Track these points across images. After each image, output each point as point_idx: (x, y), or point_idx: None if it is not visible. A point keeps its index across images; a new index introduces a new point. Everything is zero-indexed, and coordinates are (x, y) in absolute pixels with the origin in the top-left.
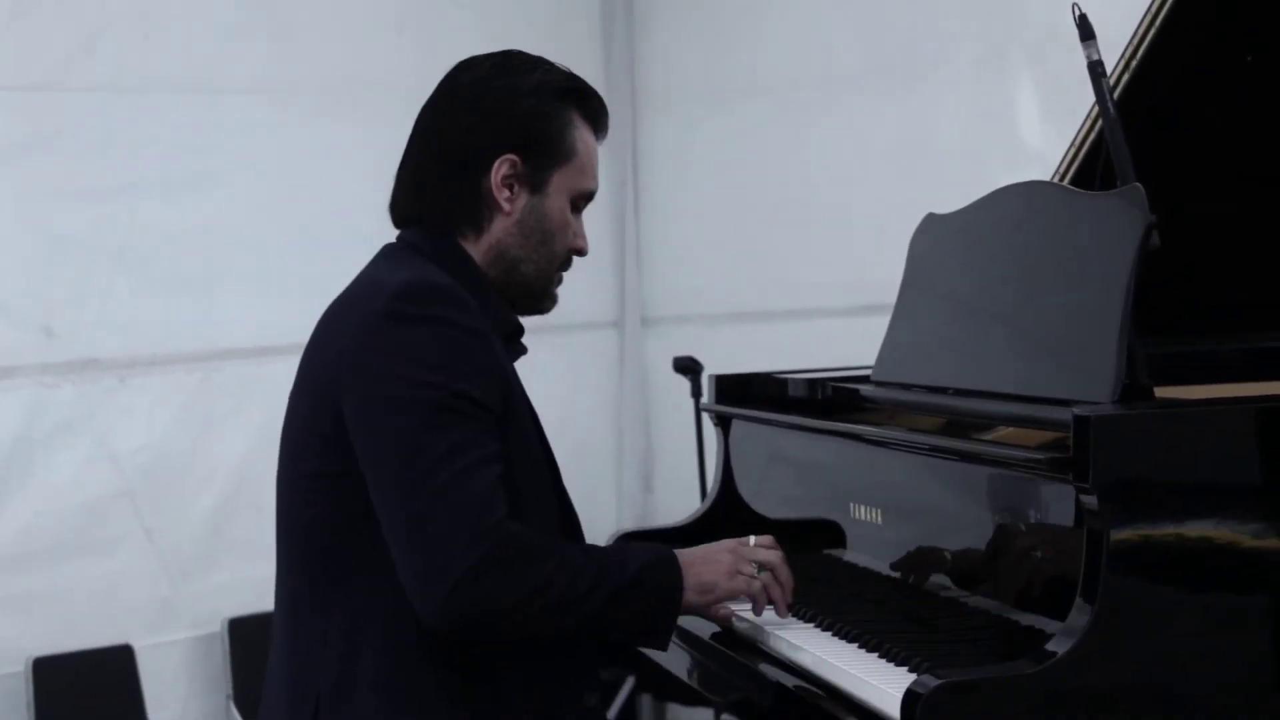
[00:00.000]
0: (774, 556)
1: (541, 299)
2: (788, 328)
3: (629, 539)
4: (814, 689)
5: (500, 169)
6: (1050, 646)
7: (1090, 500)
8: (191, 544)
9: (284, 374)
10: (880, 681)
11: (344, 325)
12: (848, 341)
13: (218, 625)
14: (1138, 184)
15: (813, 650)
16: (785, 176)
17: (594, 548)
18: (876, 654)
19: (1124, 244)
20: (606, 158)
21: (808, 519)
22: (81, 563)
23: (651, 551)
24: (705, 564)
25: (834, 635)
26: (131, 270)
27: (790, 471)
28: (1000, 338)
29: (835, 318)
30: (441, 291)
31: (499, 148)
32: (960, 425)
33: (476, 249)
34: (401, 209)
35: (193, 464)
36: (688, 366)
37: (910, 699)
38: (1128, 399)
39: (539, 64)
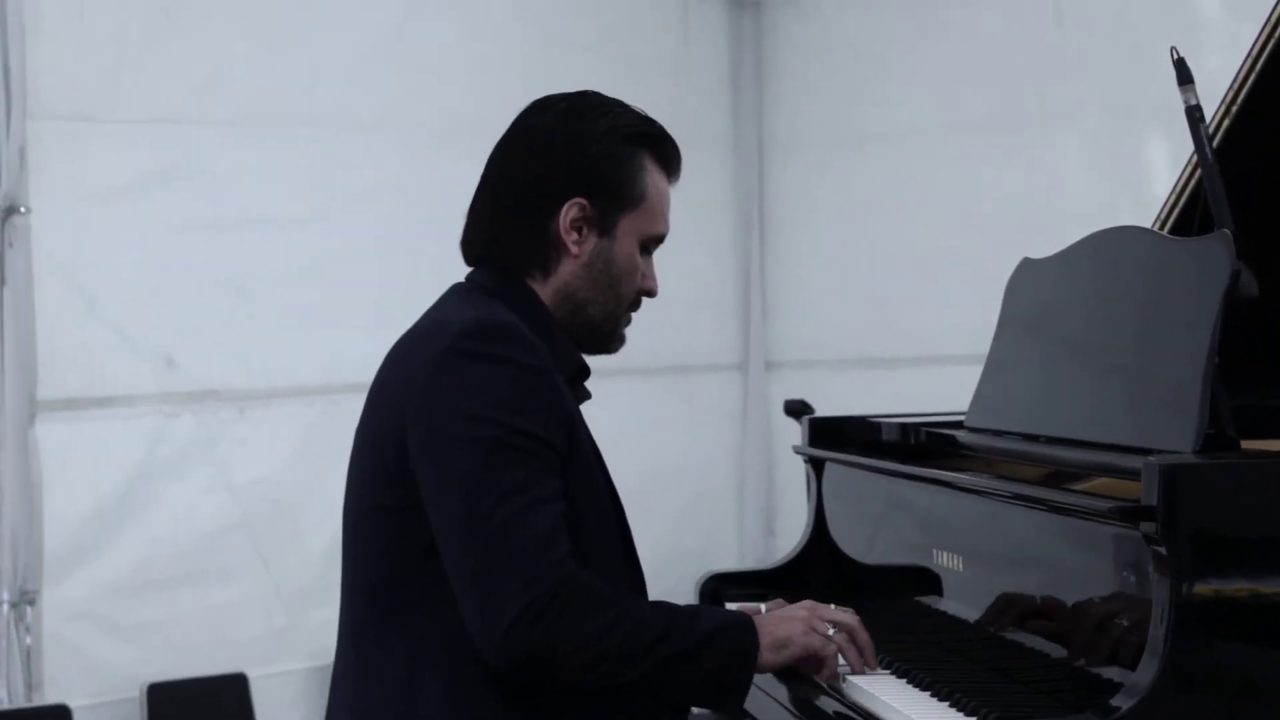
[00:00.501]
0: (850, 619)
1: (609, 340)
2: (911, 374)
3: (717, 581)
4: None
5: (569, 212)
6: (1115, 701)
7: (1159, 551)
8: (307, 576)
9: None
10: None
11: (409, 362)
12: (970, 388)
13: (332, 658)
14: (1225, 230)
15: (883, 697)
16: (910, 223)
17: (665, 604)
18: (947, 703)
19: (1210, 291)
20: (734, 201)
21: (900, 565)
22: (198, 591)
23: (725, 613)
24: (779, 622)
25: (908, 683)
26: (253, 303)
27: (882, 516)
28: (1089, 385)
29: (958, 365)
30: (507, 330)
31: (568, 191)
32: (1055, 474)
33: (544, 290)
34: (472, 248)
35: (310, 496)
36: (798, 410)
37: None
38: (1212, 450)
39: (611, 107)
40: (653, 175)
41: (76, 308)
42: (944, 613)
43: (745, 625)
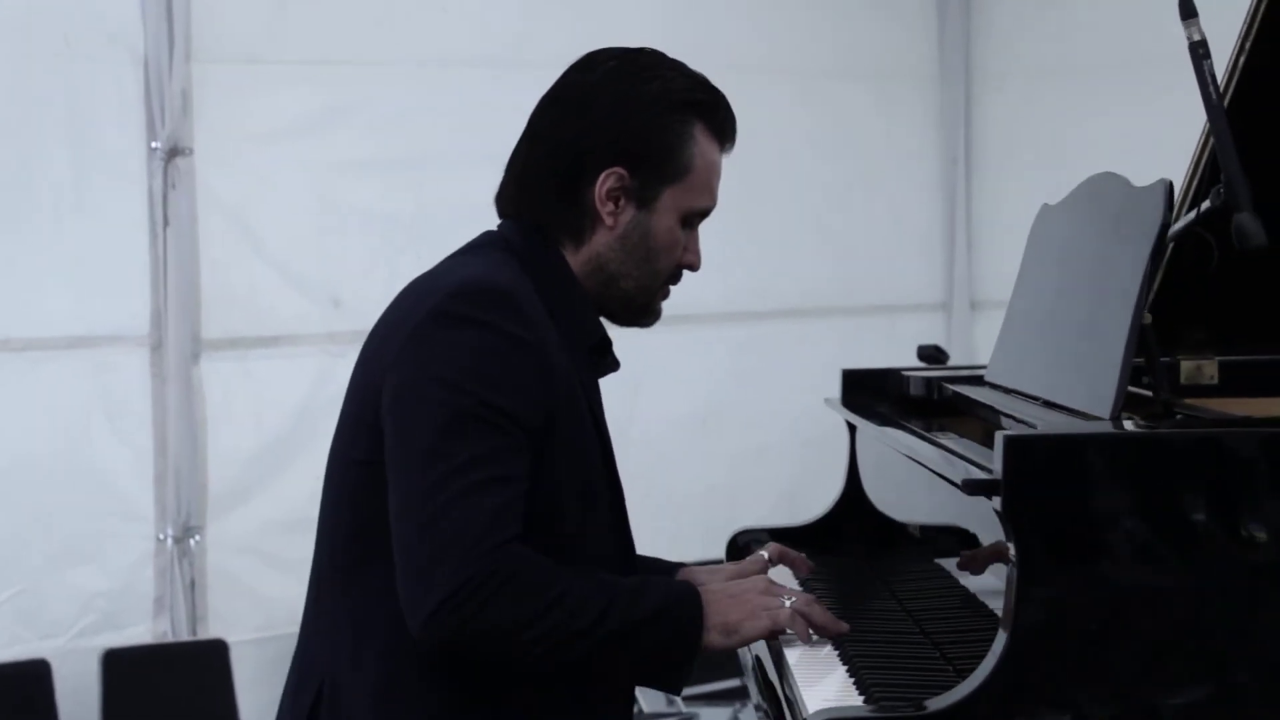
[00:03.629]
0: (801, 600)
1: (642, 314)
2: None
3: (748, 536)
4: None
5: (605, 182)
6: (931, 702)
7: (1005, 527)
8: None
9: None
10: (815, 704)
11: (401, 316)
12: None
13: None
14: (1167, 179)
15: (794, 666)
16: (1122, 159)
17: (612, 580)
18: (854, 680)
19: (1141, 244)
20: (939, 135)
21: (929, 524)
22: None
23: (676, 589)
24: (731, 604)
25: (837, 655)
26: (420, 243)
27: (909, 472)
28: (1053, 342)
29: None
30: (497, 295)
31: (607, 160)
32: None
33: (575, 258)
34: (505, 203)
35: None
36: (931, 356)
37: None
38: (1140, 415)
39: (661, 70)
40: (701, 146)
41: (241, 248)
42: (947, 576)
43: (691, 604)
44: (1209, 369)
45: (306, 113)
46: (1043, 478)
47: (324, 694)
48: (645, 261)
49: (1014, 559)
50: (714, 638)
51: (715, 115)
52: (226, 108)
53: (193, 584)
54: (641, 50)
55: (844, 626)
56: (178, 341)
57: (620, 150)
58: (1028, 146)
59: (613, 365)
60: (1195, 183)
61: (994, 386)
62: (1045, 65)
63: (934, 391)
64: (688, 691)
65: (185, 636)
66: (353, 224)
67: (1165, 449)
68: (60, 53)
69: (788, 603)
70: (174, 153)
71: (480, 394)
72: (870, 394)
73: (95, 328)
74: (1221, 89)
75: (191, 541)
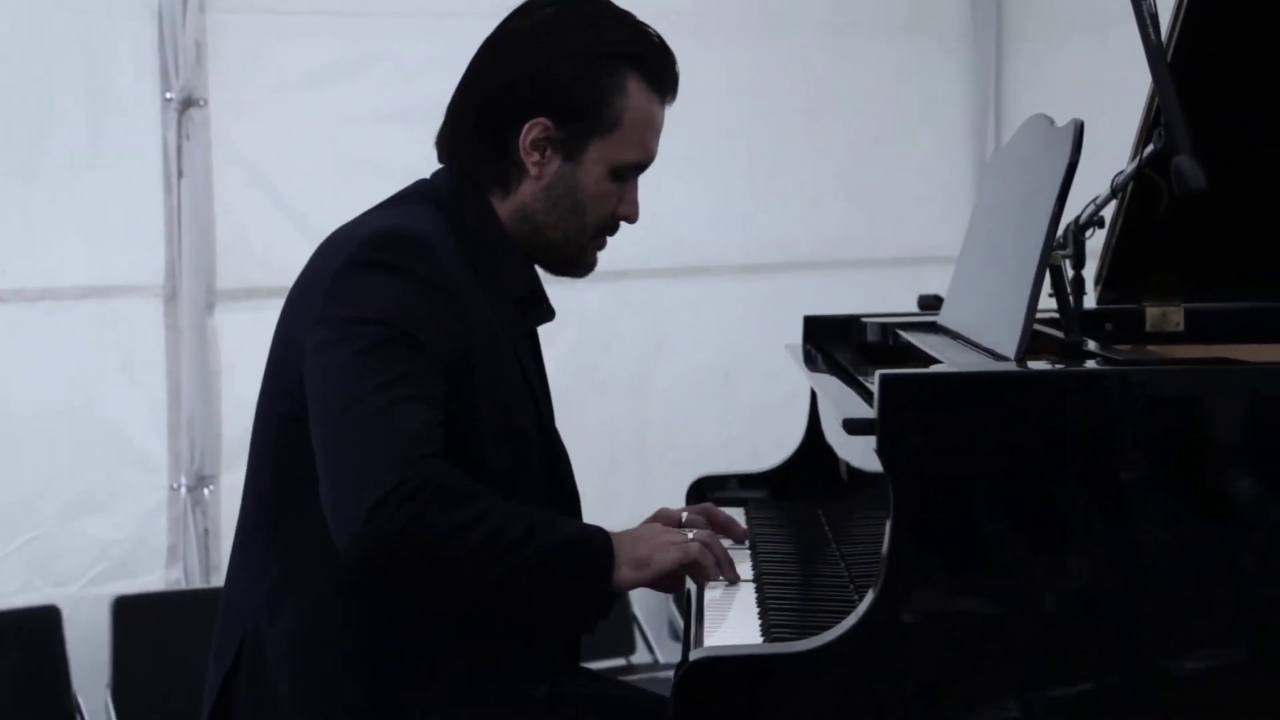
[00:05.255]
0: (704, 533)
1: (572, 265)
2: None
3: (704, 483)
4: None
5: (530, 132)
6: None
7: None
8: None
9: (600, 299)
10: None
11: (320, 267)
12: None
13: None
14: (1078, 119)
15: (709, 604)
16: None
17: (528, 508)
18: (760, 621)
19: (1049, 185)
20: (971, 90)
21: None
22: None
23: (586, 527)
24: (635, 541)
25: (757, 597)
26: None
27: None
28: (987, 285)
29: None
30: (409, 242)
31: (531, 110)
32: None
33: (503, 207)
34: (440, 148)
35: None
36: (932, 304)
37: (680, 666)
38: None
39: (598, 19)
40: (635, 99)
41: (256, 199)
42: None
43: (603, 537)
44: (1174, 316)
45: (322, 64)
46: (915, 416)
47: (245, 650)
48: (572, 213)
49: (891, 500)
50: (626, 573)
51: (652, 67)
52: (242, 58)
53: (206, 533)
54: None
55: (736, 573)
56: (192, 292)
57: (546, 101)
58: (1058, 100)
59: (547, 315)
60: (1148, 126)
61: (944, 331)
62: (1076, 19)
63: (889, 338)
64: None
65: (198, 585)
66: (369, 176)
67: (1037, 389)
68: (75, 4)
69: (691, 534)
70: (188, 103)
71: (397, 325)
72: (833, 341)
73: (109, 278)
74: (1168, 30)
75: (205, 491)
